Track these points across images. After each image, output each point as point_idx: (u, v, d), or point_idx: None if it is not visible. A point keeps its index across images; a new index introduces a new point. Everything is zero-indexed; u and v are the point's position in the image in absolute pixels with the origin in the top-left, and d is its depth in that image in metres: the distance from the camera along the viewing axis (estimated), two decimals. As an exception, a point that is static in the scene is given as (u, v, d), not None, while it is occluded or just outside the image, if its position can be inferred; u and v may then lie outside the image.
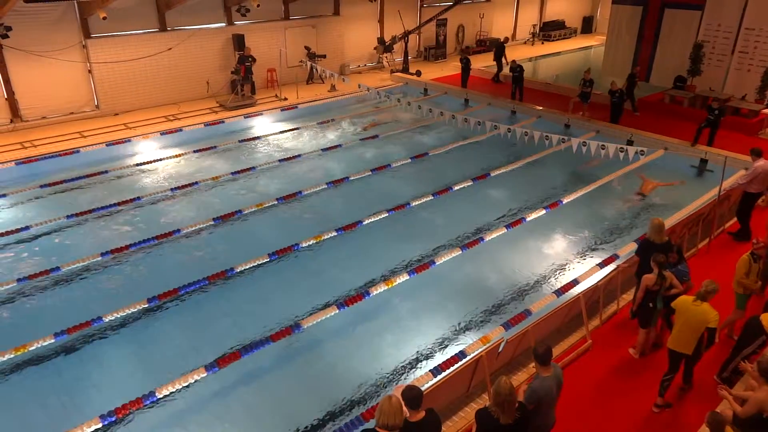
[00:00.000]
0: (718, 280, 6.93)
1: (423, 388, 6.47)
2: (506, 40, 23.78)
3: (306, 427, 6.99)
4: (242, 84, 18.83)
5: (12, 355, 7.74)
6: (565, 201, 12.35)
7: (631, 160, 12.99)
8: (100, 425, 6.62)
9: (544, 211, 11.89)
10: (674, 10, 20.68)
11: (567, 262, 10.56)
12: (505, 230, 11.10)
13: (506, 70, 21.26)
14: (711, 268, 9.86)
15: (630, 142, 15.20)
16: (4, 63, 15.97)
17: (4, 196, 12.84)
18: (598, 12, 34.00)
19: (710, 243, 10.84)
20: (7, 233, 11.10)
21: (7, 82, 16.17)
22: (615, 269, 9.03)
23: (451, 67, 23.82)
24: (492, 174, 13.76)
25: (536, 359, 5.65)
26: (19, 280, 9.60)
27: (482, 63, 24.24)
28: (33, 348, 7.89)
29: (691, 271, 8.32)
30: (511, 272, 10.24)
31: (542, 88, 20.86)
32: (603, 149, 12.69)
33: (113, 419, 6.72)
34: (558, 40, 31.42)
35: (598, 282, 8.72)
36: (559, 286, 9.26)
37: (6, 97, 16.30)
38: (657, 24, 21.39)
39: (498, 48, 22.64)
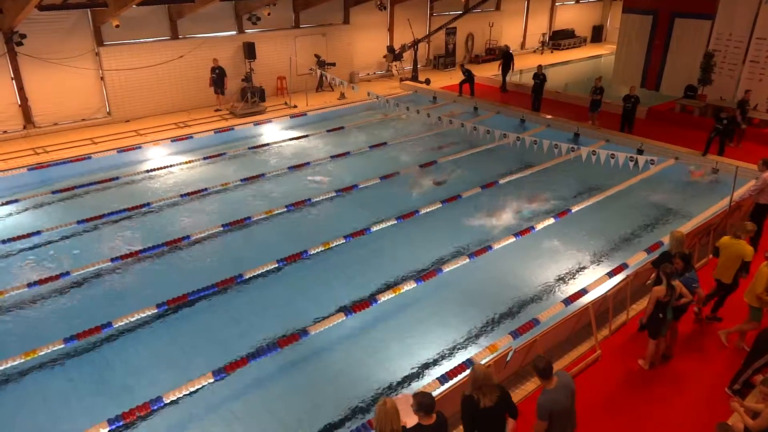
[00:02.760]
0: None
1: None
2: (507, 48, 23.75)
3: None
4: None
5: (22, 360, 7.79)
6: (574, 210, 12.30)
7: (641, 169, 12.92)
8: (107, 429, 6.65)
9: (552, 220, 11.85)
10: (684, 19, 20.61)
11: (576, 271, 10.50)
12: (513, 239, 11.07)
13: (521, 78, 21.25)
14: (722, 278, 9.76)
15: (640, 151, 15.13)
16: (18, 70, 16.18)
17: (16, 201, 12.97)
18: (608, 21, 34.00)
19: (721, 253, 10.73)
20: (19, 238, 11.21)
21: (21, 88, 16.38)
22: (625, 279, 8.97)
23: (461, 76, 23.83)
24: (500, 182, 13.74)
25: (537, 374, 5.59)
26: (29, 285, 9.67)
27: (492, 72, 24.25)
28: (42, 353, 7.94)
29: (700, 280, 8.26)
30: (520, 281, 10.19)
31: (552, 97, 20.84)
32: (613, 158, 12.64)
33: (120, 423, 6.74)
34: (567, 49, 31.44)
35: (608, 291, 8.66)
36: (567, 295, 9.20)
37: (19, 103, 16.51)
38: (667, 33, 21.31)
39: (505, 56, 22.61)
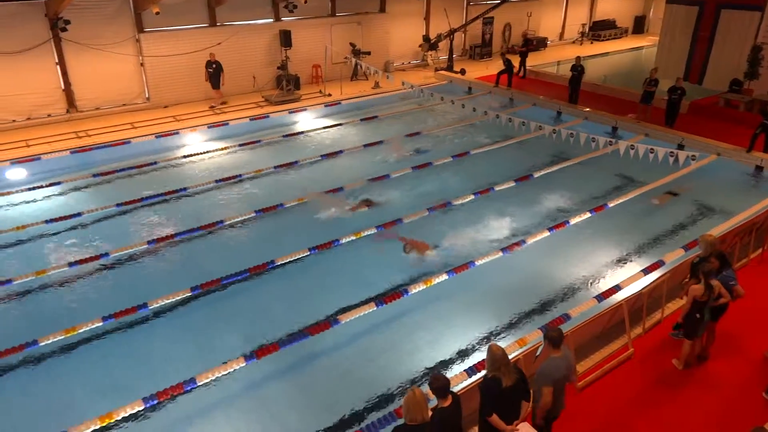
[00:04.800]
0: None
1: (458, 388, 6.52)
2: (526, 42, 23.40)
3: (341, 420, 7.06)
4: (288, 81, 18.90)
5: (62, 337, 8.06)
6: (611, 205, 12.07)
7: (681, 165, 12.60)
8: (142, 407, 6.85)
9: (588, 215, 11.65)
10: (732, 10, 19.89)
11: (610, 267, 10.32)
12: (547, 233, 10.93)
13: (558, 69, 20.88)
14: (764, 278, 9.48)
15: (681, 147, 14.72)
16: (62, 55, 16.62)
17: (59, 183, 13.37)
18: (650, 12, 33.06)
19: (764, 253, 10.43)
20: (61, 219, 11.58)
21: (64, 73, 16.83)
22: (661, 276, 8.78)
23: (497, 66, 23.52)
24: (535, 175, 13.56)
25: (549, 341, 5.80)
26: (70, 264, 9.99)
27: (528, 62, 23.86)
28: (82, 330, 8.20)
29: (740, 280, 8.01)
30: (552, 276, 10.07)
31: (590, 89, 20.40)
32: (652, 153, 12.35)
33: (155, 402, 6.93)
34: (608, 40, 30.69)
35: (643, 289, 8.49)
36: (600, 291, 9.06)
37: (63, 88, 16.97)
38: (713, 25, 20.61)
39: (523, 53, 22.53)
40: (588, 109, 17.98)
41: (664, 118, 16.48)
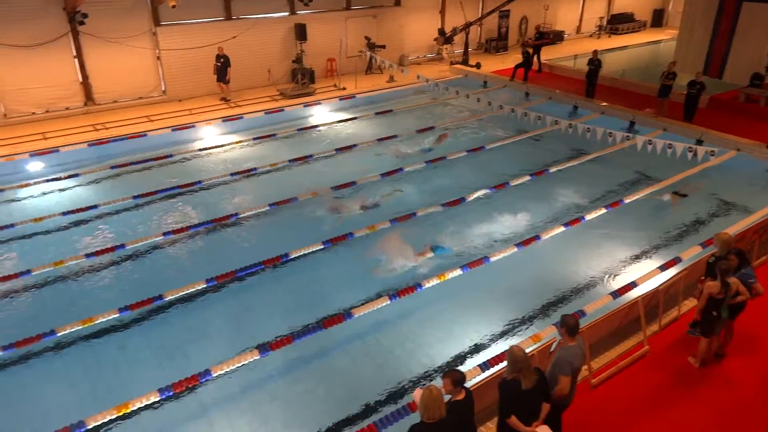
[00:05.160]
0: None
1: (472, 383, 6.51)
2: (540, 36, 23.08)
3: (354, 413, 7.08)
4: (301, 76, 18.83)
5: (80, 327, 8.16)
6: (627, 201, 11.94)
7: (700, 160, 12.42)
8: (158, 398, 6.92)
9: (604, 210, 11.54)
10: (753, 3, 19.51)
11: (626, 264, 10.23)
12: (562, 228, 10.84)
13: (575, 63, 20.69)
14: (783, 277, 9.33)
15: (699, 142, 14.52)
16: (80, 49, 16.77)
17: (77, 175, 13.52)
18: (670, 5, 32.58)
19: (783, 251, 10.28)
20: (78, 211, 11.72)
21: (82, 67, 16.99)
22: (678, 273, 8.68)
23: (513, 60, 23.37)
24: (551, 170, 13.45)
25: (566, 329, 5.83)
26: (87, 255, 10.11)
27: (544, 56, 23.67)
28: (98, 321, 8.30)
29: (759, 278, 7.90)
30: (567, 272, 10.00)
31: (607, 84, 20.17)
32: (670, 148, 12.19)
33: (170, 393, 6.99)
34: (626, 33, 30.30)
35: (659, 286, 8.40)
36: (616, 288, 8.98)
37: (81, 81, 17.12)
38: (734, 18, 20.25)
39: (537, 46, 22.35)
40: (605, 104, 17.79)
41: (682, 113, 16.25)
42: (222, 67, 17.86)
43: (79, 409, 6.83)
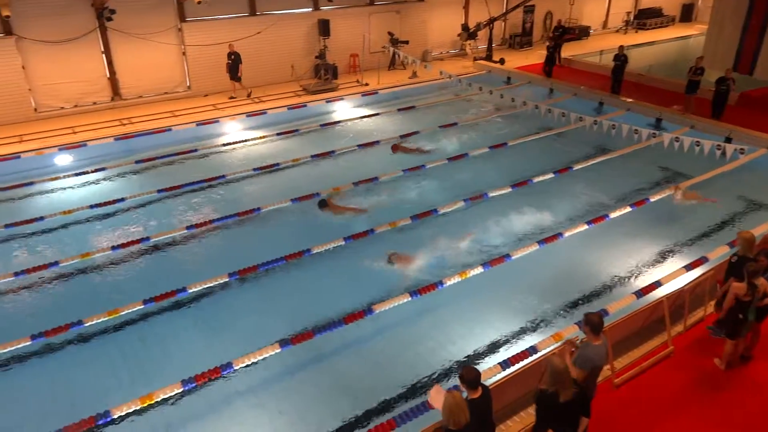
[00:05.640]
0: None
1: (491, 381, 6.49)
2: (561, 30, 22.68)
3: (373, 407, 7.11)
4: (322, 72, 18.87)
5: (105, 318, 8.32)
6: (652, 199, 11.75)
7: (728, 158, 12.17)
8: (181, 389, 7.04)
9: (629, 209, 11.37)
10: (787, -3, 19.01)
11: (650, 263, 10.08)
12: (585, 226, 10.72)
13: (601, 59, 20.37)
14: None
15: (728, 140, 14.21)
16: (108, 44, 17.04)
17: (103, 169, 13.77)
18: (699, -1, 31.90)
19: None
20: (105, 204, 11.93)
21: (110, 62, 17.26)
22: (704, 273, 8.52)
23: (537, 56, 23.15)
24: (575, 167, 13.29)
25: (590, 327, 5.78)
26: (113, 247, 10.31)
27: (569, 52, 23.38)
28: (124, 313, 8.45)
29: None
30: (590, 270, 9.90)
31: (633, 80, 19.84)
32: (698, 146, 11.97)
33: (193, 385, 7.10)
34: (653, 28, 29.74)
35: (685, 286, 8.27)
36: (640, 287, 8.85)
37: (108, 76, 17.41)
38: (765, 12, 19.72)
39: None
40: (631, 100, 17.51)
41: (710, 111, 15.93)
42: (233, 64, 17.90)
43: (105, 399, 6.98)
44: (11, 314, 9.00)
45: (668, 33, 28.98)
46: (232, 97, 18.37)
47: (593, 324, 5.74)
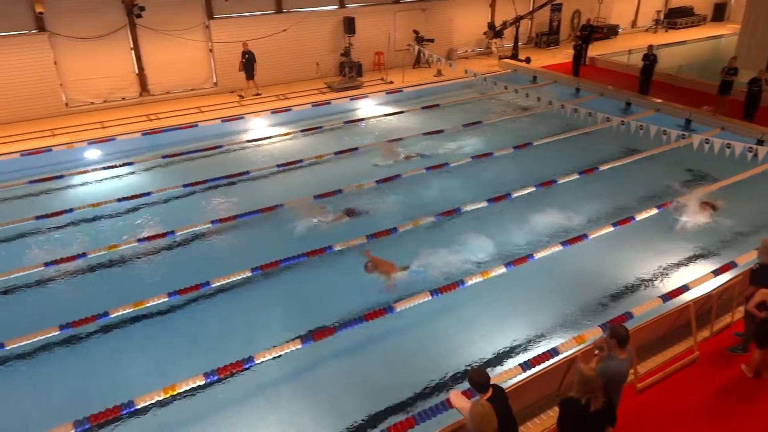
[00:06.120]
0: None
1: (511, 382, 6.45)
2: (588, 28, 22.39)
3: (393, 405, 7.12)
4: (351, 69, 18.86)
5: (130, 310, 8.47)
6: (679, 201, 11.51)
7: (760, 161, 11.88)
8: (203, 381, 7.13)
9: (655, 211, 11.18)
10: (825, -4, 18.50)
11: (677, 267, 9.89)
12: (611, 228, 10.57)
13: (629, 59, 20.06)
14: None
15: (760, 142, 13.87)
16: (137, 41, 17.32)
17: (131, 163, 14.01)
18: (732, -2, 31.17)
19: None
20: (132, 197, 12.14)
21: (138, 58, 17.55)
22: (732, 279, 8.34)
23: (564, 55, 22.89)
24: (601, 168, 13.10)
25: (616, 340, 5.58)
26: (139, 240, 10.49)
27: (597, 51, 23.07)
28: (149, 305, 8.59)
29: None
30: (614, 272, 9.75)
31: (663, 80, 19.48)
32: (728, 148, 11.71)
33: (215, 378, 7.19)
34: (684, 28, 29.16)
35: (712, 290, 8.10)
36: (666, 291, 8.70)
37: (137, 72, 17.69)
38: (802, 12, 19.23)
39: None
40: (660, 101, 17.21)
41: (742, 112, 15.57)
42: (248, 63, 17.91)
43: (128, 390, 7.09)
44: (40, 303, 9.21)
45: (699, 32, 28.39)
46: (240, 96, 18.41)
47: (620, 337, 5.55)
